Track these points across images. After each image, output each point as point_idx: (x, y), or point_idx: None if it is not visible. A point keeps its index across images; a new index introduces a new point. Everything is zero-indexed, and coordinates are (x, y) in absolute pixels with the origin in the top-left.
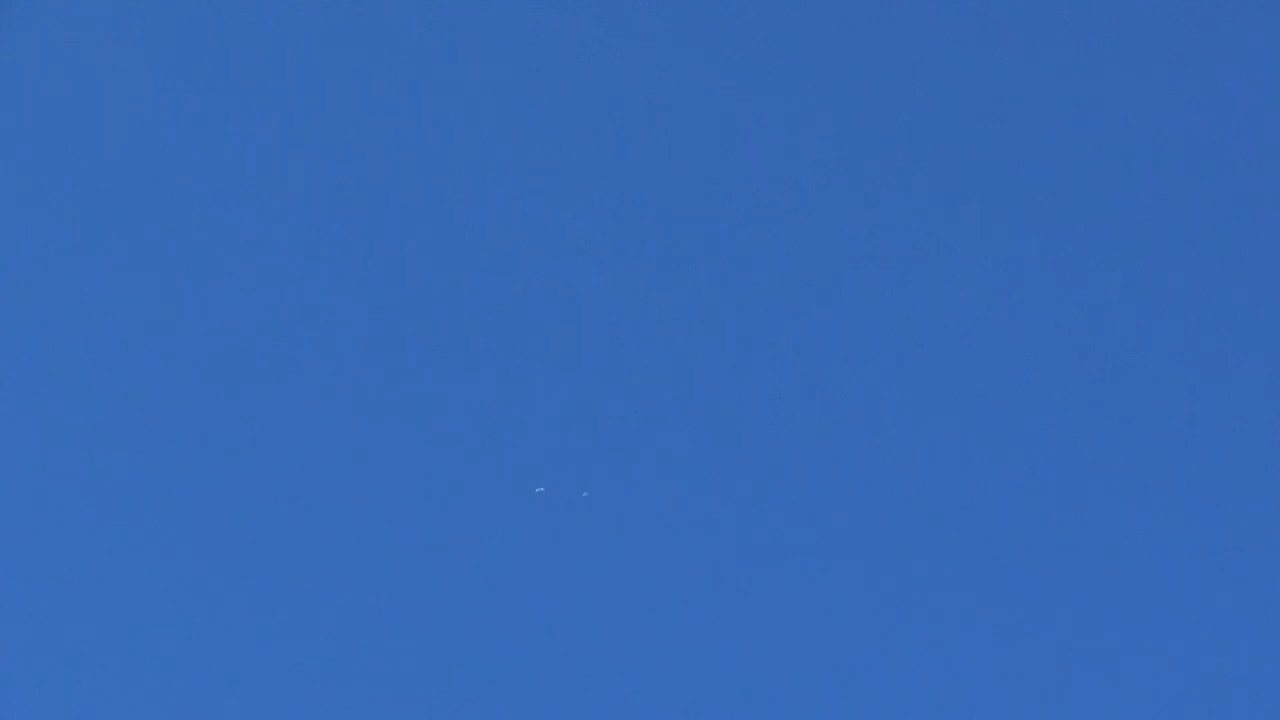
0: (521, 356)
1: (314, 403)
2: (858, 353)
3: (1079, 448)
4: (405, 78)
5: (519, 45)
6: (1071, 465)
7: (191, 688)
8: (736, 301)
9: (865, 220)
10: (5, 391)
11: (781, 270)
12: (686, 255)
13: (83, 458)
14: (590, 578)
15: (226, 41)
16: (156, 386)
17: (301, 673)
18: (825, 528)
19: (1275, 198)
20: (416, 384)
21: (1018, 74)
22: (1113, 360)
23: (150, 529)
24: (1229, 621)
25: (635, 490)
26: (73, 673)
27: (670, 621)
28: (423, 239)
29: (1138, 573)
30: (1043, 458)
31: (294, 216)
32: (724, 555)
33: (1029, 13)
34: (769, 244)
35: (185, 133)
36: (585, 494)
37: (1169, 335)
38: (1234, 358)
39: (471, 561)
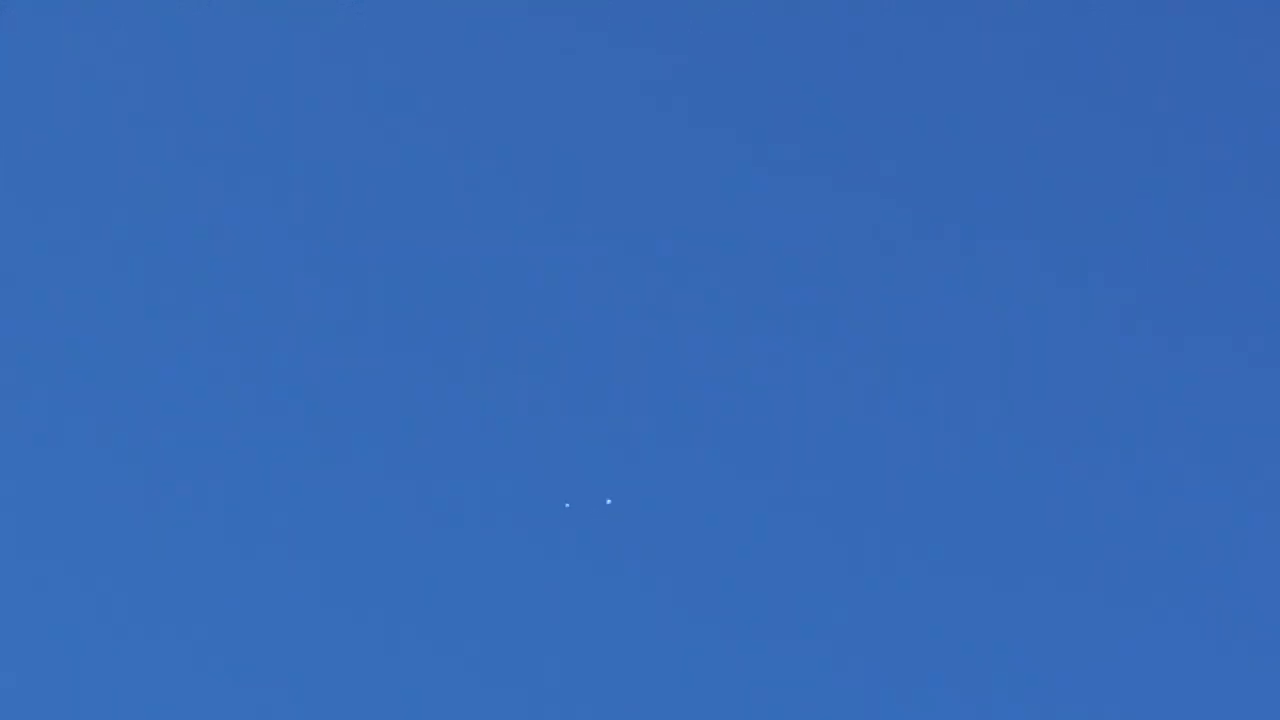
0: (531, 364)
1: (314, 408)
2: (869, 354)
3: (1079, 451)
4: (404, 79)
5: (517, 48)
6: (1073, 468)
7: (191, 688)
8: (749, 304)
9: (869, 218)
10: (5, 391)
11: (791, 272)
12: (697, 257)
13: (79, 457)
14: (610, 586)
15: (224, 41)
16: (155, 388)
17: (302, 678)
18: (844, 532)
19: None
20: (422, 391)
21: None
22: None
23: (149, 529)
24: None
25: (656, 498)
26: (72, 672)
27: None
28: (432, 239)
29: (1138, 576)
30: (1044, 462)
31: (296, 217)
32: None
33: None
34: (776, 244)
35: (184, 133)
36: (609, 501)
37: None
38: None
39: (484, 572)
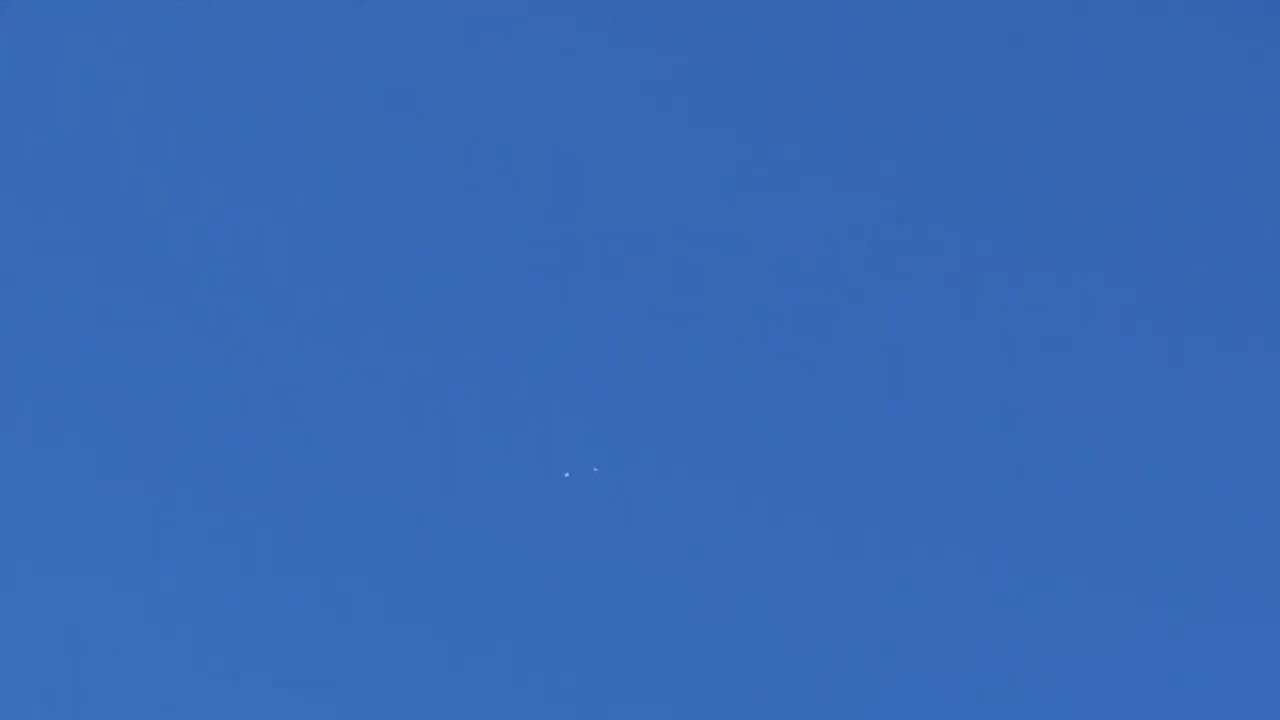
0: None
1: (312, 404)
2: (861, 347)
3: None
4: (404, 79)
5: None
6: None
7: (191, 688)
8: (738, 299)
9: (867, 212)
10: (4, 391)
11: (790, 271)
12: (687, 250)
13: (77, 457)
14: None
15: (224, 41)
16: (154, 387)
17: (304, 674)
18: (833, 524)
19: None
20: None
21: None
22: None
23: (150, 529)
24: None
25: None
26: (70, 673)
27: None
28: (433, 236)
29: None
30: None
31: (296, 217)
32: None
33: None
34: (776, 240)
35: (184, 133)
36: (595, 469)
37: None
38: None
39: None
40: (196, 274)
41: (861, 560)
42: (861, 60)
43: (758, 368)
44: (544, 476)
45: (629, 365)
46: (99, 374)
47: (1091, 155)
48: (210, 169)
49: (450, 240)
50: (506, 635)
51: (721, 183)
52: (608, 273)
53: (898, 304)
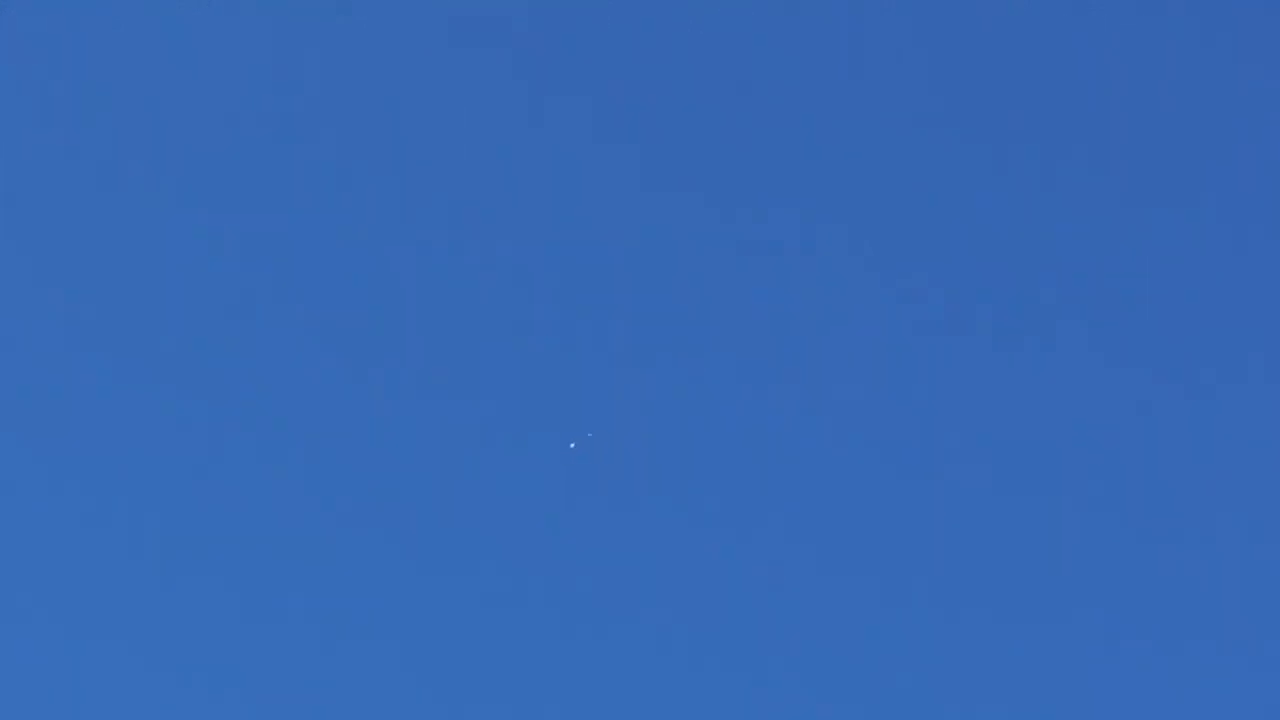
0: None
1: (307, 408)
2: (855, 336)
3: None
4: (404, 80)
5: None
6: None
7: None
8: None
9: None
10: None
11: (782, 263)
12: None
13: (75, 458)
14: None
15: (224, 41)
16: (154, 387)
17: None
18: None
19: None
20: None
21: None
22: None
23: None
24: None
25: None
26: (67, 673)
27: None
28: (431, 236)
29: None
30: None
31: (295, 217)
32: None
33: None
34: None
35: (184, 133)
36: (590, 435)
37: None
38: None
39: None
40: (196, 273)
41: (856, 559)
42: (860, 62)
43: (753, 375)
44: (541, 478)
45: (624, 370)
46: (99, 374)
47: (1090, 157)
48: (210, 169)
49: (446, 243)
50: (497, 648)
51: (719, 185)
52: (604, 276)
53: (898, 305)
